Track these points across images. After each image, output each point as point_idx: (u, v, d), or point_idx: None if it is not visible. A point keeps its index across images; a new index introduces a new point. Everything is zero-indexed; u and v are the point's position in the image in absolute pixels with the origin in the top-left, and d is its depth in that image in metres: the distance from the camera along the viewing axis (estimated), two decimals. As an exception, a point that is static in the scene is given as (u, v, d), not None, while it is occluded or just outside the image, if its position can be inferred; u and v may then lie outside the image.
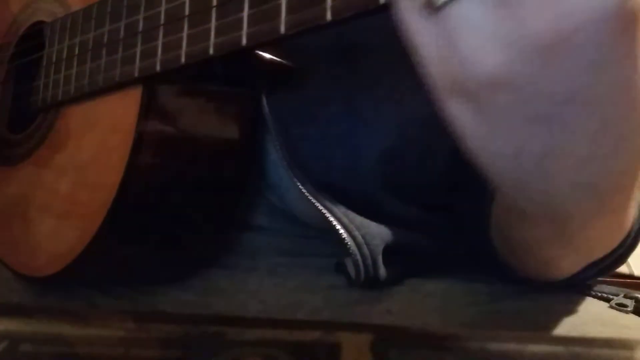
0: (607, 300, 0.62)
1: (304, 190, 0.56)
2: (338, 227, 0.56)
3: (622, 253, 0.52)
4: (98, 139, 0.58)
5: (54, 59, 0.62)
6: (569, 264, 0.53)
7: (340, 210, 0.57)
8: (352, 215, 0.58)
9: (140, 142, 0.52)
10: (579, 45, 0.29)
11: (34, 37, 0.67)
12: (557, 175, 0.36)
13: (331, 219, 0.56)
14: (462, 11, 0.30)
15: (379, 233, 0.58)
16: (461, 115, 0.34)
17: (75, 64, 0.59)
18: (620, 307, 0.59)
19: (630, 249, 0.54)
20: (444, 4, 0.30)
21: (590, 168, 0.36)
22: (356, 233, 0.57)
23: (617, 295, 0.62)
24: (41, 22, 0.67)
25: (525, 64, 0.30)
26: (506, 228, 0.52)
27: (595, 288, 0.62)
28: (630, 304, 0.60)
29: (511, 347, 0.43)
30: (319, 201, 0.57)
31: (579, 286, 0.59)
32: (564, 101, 0.31)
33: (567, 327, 0.54)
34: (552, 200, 0.40)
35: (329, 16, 0.37)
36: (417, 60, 0.34)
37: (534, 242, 0.51)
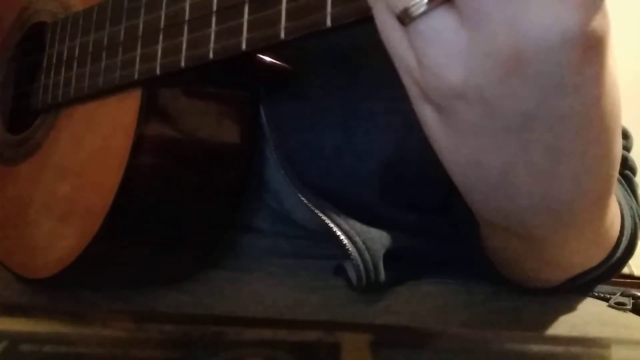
0: (606, 299, 0.62)
1: (303, 199, 0.57)
2: (339, 233, 0.56)
3: (613, 264, 0.53)
4: (98, 141, 0.58)
5: (54, 61, 0.62)
6: (549, 276, 0.54)
7: (340, 216, 0.57)
8: (352, 221, 0.58)
9: (140, 144, 0.52)
10: (537, 67, 0.30)
11: (35, 38, 0.67)
12: (518, 189, 0.37)
13: (331, 225, 0.57)
14: (430, 26, 0.31)
15: (380, 238, 0.58)
16: (432, 122, 0.35)
17: (75, 65, 0.59)
18: (619, 306, 0.60)
19: (623, 260, 0.54)
20: (416, 17, 0.31)
21: (550, 186, 0.37)
22: (357, 239, 0.57)
23: (614, 294, 0.63)
24: (42, 23, 0.67)
25: (487, 80, 0.31)
26: (487, 237, 0.52)
27: (593, 287, 0.63)
28: (629, 302, 0.60)
29: (511, 347, 0.43)
30: (318, 208, 0.57)
31: (573, 292, 0.59)
32: (523, 119, 0.32)
33: (567, 327, 0.54)
34: (514, 215, 0.40)
35: (329, 22, 0.37)
36: (396, 67, 0.35)
37: (509, 253, 0.51)
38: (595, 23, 0.29)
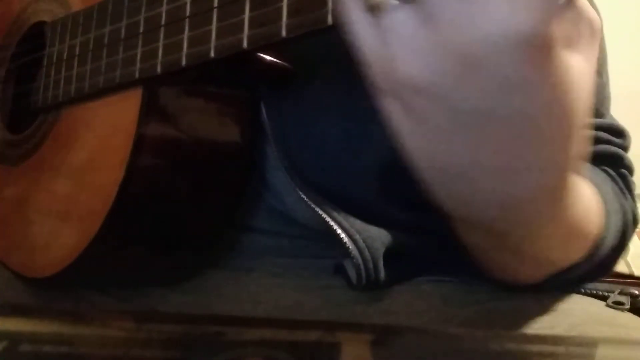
0: (604, 298, 0.62)
1: (303, 196, 0.57)
2: (339, 231, 0.56)
3: (601, 262, 0.53)
4: (98, 140, 0.58)
5: (54, 60, 0.62)
6: (527, 271, 0.53)
7: (341, 214, 0.57)
8: (352, 219, 0.58)
9: (140, 143, 0.52)
10: (491, 66, 0.31)
11: (35, 37, 0.67)
12: (476, 184, 0.38)
13: (331, 223, 0.57)
14: (394, 20, 0.32)
15: (379, 236, 0.58)
16: (392, 114, 0.36)
17: (75, 64, 0.59)
18: (618, 305, 0.60)
19: (612, 258, 0.54)
20: (381, 10, 0.32)
21: (507, 181, 0.37)
22: (357, 237, 0.57)
23: (612, 292, 0.63)
24: (42, 23, 0.67)
25: (443, 76, 0.32)
26: (458, 232, 0.52)
27: (590, 286, 0.63)
28: (627, 301, 0.60)
29: (511, 347, 0.43)
30: (318, 206, 0.57)
31: (562, 289, 0.59)
32: (479, 116, 0.33)
33: (565, 326, 0.54)
34: (475, 209, 0.41)
35: (329, 20, 0.37)
36: (359, 58, 0.35)
37: (483, 247, 0.51)
38: (548, 28, 0.30)
